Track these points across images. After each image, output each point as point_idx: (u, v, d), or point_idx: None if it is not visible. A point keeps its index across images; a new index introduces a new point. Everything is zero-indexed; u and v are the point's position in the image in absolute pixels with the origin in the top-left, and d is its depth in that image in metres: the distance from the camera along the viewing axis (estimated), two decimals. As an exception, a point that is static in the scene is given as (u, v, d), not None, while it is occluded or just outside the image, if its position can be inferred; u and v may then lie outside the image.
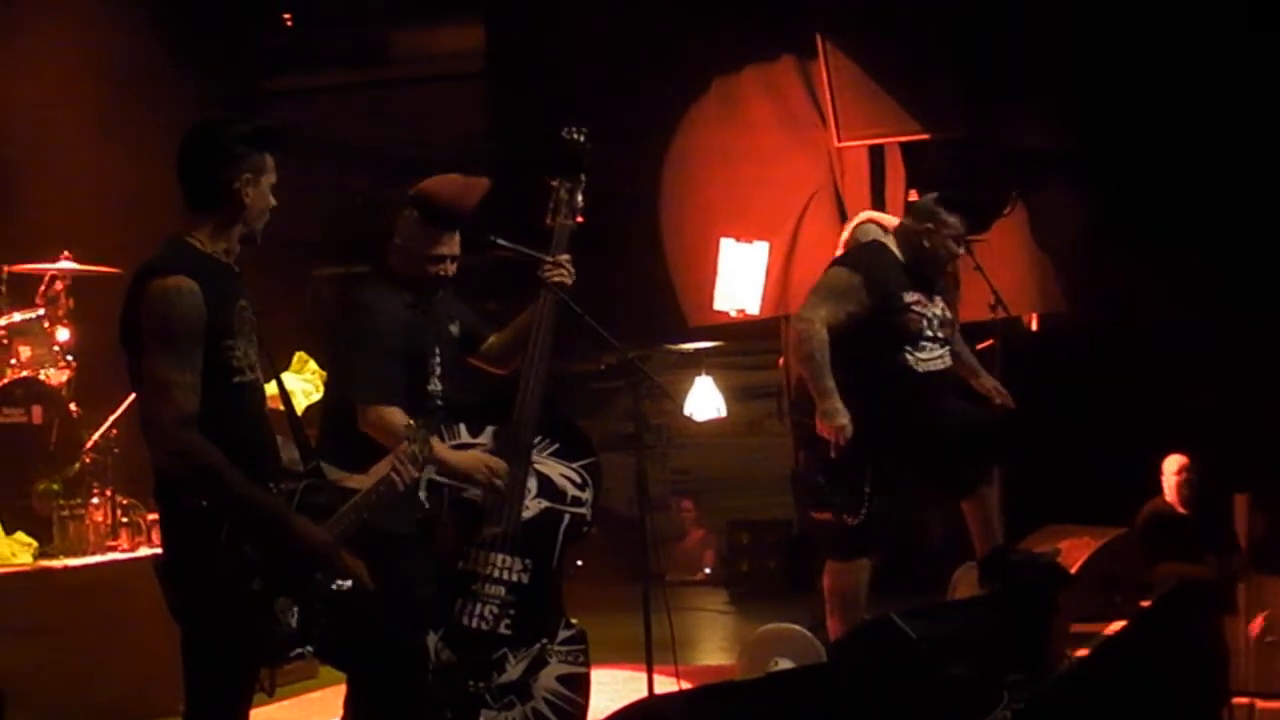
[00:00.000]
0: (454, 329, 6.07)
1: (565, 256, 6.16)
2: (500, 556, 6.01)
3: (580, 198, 6.24)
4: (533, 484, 6.10)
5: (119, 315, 4.57)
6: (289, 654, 4.59)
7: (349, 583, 4.80)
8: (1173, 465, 10.15)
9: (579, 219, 6.22)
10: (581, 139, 6.28)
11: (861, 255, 7.41)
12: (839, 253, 7.60)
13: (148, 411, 4.51)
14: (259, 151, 4.67)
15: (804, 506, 7.66)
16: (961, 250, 7.45)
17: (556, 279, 6.09)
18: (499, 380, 6.34)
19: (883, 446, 7.09)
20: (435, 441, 5.84)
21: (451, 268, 5.94)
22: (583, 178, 6.26)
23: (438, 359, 5.92)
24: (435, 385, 5.90)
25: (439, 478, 5.95)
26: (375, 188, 11.92)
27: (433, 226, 5.88)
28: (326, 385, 6.30)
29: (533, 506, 6.09)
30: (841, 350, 7.08)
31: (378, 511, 4.86)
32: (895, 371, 7.17)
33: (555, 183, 6.26)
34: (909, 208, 7.54)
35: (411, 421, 5.20)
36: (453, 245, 5.93)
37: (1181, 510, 10.03)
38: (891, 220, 9.25)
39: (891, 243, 7.46)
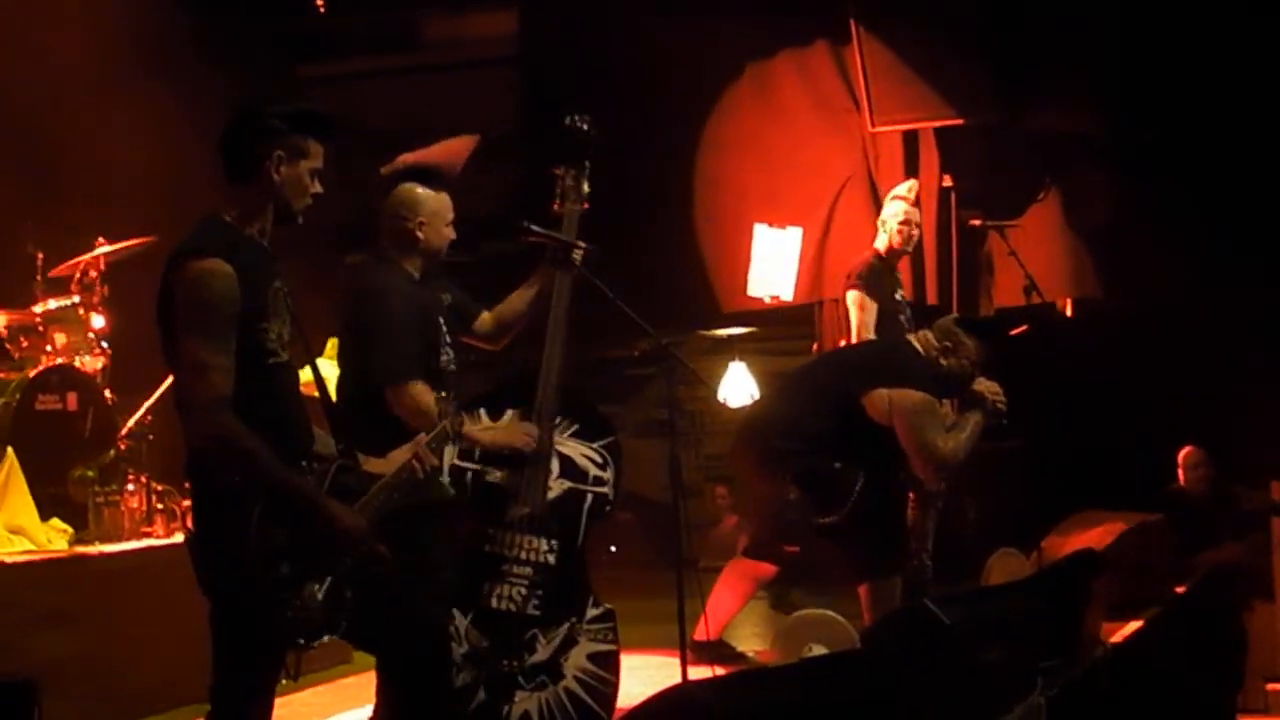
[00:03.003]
0: (446, 298, 6.05)
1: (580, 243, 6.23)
2: (526, 538, 6.08)
3: (586, 184, 6.31)
4: (555, 465, 6.18)
5: (155, 296, 4.58)
6: (315, 639, 4.59)
7: (378, 566, 4.81)
8: (1185, 457, 10.16)
9: (585, 205, 6.29)
10: (585, 126, 6.32)
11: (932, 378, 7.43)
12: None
13: (183, 392, 4.53)
14: (299, 134, 4.68)
15: (800, 538, 7.57)
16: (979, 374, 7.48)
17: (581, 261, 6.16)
18: (514, 363, 6.43)
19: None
20: (468, 425, 5.90)
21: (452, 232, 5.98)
22: (587, 165, 6.32)
23: (444, 330, 5.92)
24: (447, 355, 5.89)
25: (462, 463, 6.02)
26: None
27: (432, 189, 5.91)
28: (341, 376, 6.24)
29: (556, 487, 6.18)
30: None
31: (407, 494, 4.88)
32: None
33: (560, 171, 6.33)
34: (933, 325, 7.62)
35: (441, 395, 5.24)
36: (449, 206, 5.95)
37: (1199, 497, 10.06)
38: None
39: (917, 344, 7.51)
